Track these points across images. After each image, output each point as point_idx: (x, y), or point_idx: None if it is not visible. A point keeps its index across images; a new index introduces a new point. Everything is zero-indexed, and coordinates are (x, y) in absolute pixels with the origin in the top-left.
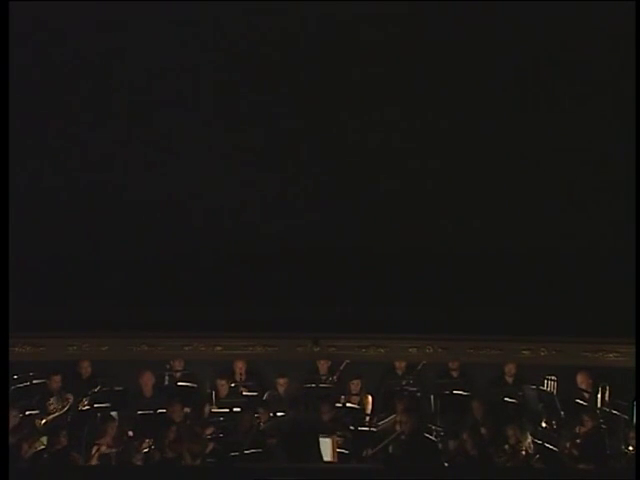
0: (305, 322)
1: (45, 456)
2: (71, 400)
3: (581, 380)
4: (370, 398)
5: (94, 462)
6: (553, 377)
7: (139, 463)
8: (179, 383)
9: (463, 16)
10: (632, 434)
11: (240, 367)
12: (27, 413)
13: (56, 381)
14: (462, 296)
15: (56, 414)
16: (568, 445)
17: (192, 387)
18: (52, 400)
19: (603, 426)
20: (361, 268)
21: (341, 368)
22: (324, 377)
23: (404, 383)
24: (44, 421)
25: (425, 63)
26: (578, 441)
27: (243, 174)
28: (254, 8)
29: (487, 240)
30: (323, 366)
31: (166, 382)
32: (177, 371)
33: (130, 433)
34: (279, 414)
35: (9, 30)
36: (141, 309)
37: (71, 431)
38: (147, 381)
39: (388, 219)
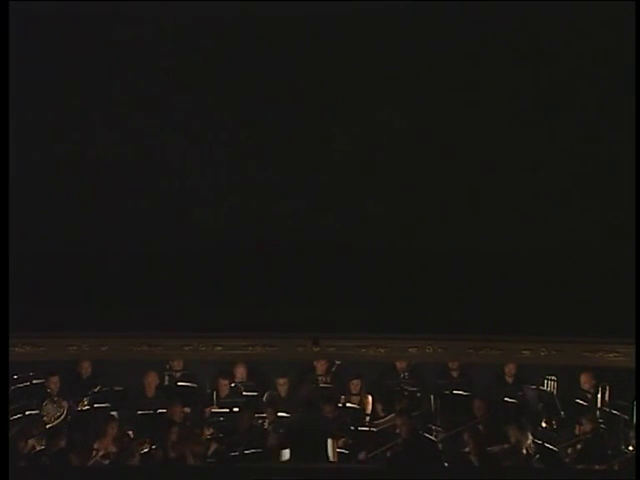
0: (305, 322)
1: (45, 457)
2: (66, 408)
3: (584, 380)
4: (370, 398)
5: (94, 462)
6: (553, 377)
7: (139, 463)
8: (179, 383)
9: (462, 16)
10: (632, 434)
11: (241, 372)
12: (27, 413)
13: (54, 382)
14: (462, 296)
15: (53, 423)
16: (568, 445)
17: (192, 387)
18: (47, 407)
19: (603, 426)
20: (361, 268)
21: (333, 370)
22: (322, 377)
23: (403, 383)
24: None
25: (424, 64)
26: (578, 441)
27: (244, 174)
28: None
29: (487, 240)
30: (322, 366)
31: (166, 382)
32: (177, 371)
33: (130, 433)
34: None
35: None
36: (141, 309)
37: (71, 432)
38: (151, 382)
39: (388, 219)
